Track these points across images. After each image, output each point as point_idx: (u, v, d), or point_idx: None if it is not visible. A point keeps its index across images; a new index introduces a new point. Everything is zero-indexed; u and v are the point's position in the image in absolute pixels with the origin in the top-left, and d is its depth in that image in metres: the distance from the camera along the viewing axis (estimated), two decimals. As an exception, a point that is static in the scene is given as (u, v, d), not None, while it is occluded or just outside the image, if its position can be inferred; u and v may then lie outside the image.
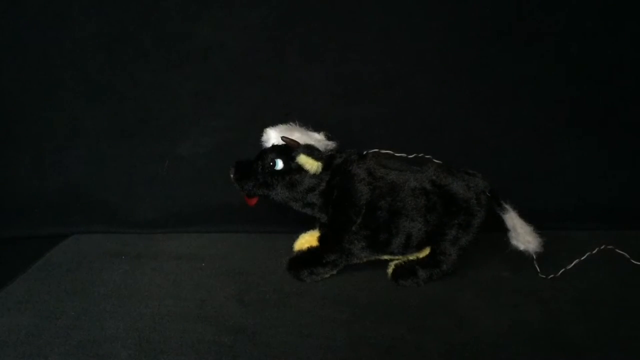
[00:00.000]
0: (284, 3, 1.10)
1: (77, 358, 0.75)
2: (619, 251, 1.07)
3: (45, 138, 1.18)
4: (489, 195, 0.96)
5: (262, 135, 0.97)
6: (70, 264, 1.05)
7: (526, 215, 0.98)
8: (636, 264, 1.04)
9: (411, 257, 0.99)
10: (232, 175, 0.94)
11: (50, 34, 1.11)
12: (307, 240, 1.03)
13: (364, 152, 0.99)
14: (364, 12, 1.11)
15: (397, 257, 1.00)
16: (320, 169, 0.93)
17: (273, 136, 0.95)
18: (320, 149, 0.94)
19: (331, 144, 0.98)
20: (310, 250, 1.00)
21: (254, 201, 0.98)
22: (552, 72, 1.16)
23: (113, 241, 1.17)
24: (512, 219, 0.95)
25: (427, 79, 1.16)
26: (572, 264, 1.02)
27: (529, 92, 1.17)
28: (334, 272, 0.99)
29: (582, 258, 1.03)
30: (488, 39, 1.13)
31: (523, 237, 0.94)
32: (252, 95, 1.15)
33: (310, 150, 0.91)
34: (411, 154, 1.01)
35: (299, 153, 0.91)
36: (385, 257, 1.00)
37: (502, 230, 0.97)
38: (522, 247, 0.95)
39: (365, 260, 0.99)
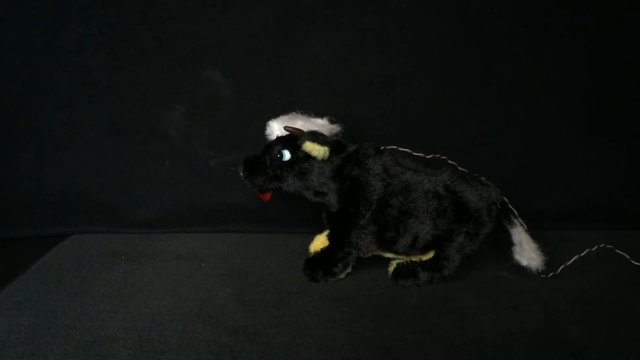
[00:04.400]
0: (284, 3, 1.10)
1: (77, 358, 0.76)
2: (619, 251, 1.07)
3: (45, 138, 1.18)
4: (499, 207, 0.96)
5: (264, 132, 0.96)
6: (70, 264, 1.05)
7: (526, 215, 0.98)
8: (636, 264, 1.04)
9: (414, 258, 0.99)
10: (241, 173, 0.93)
11: (50, 34, 1.11)
12: (322, 241, 1.02)
13: (382, 148, 0.98)
14: (364, 12, 1.11)
15: (400, 257, 1.00)
16: (327, 154, 0.91)
17: (276, 128, 0.94)
18: (325, 133, 0.93)
19: (336, 128, 0.96)
20: (324, 250, 1.00)
21: (268, 196, 0.97)
22: (552, 72, 1.16)
23: (113, 241, 1.17)
24: (520, 235, 0.95)
25: (427, 79, 1.15)
26: (572, 260, 1.02)
27: (529, 92, 1.17)
28: (349, 269, 0.99)
29: (582, 254, 1.04)
30: (488, 39, 1.13)
31: (528, 253, 0.94)
32: (252, 95, 1.15)
33: (314, 137, 0.90)
34: (417, 154, 1.01)
35: (303, 141, 0.90)
36: (389, 255, 1.00)
37: (502, 230, 0.97)
38: (524, 263, 0.95)
39: (370, 254, 0.99)
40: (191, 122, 1.17)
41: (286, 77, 1.15)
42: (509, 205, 0.97)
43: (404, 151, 0.99)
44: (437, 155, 1.00)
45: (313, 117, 0.96)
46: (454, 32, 1.13)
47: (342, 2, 1.10)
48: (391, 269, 0.99)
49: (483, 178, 0.98)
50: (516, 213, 0.97)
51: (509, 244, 0.97)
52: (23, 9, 1.10)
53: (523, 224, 0.96)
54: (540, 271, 0.97)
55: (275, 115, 0.98)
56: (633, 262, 1.04)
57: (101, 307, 0.89)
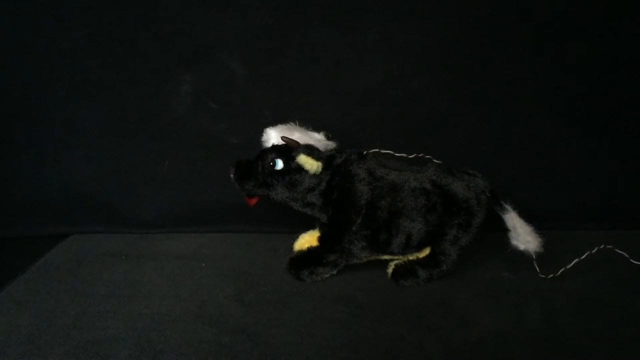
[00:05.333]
0: (284, 3, 1.10)
1: (77, 358, 0.75)
2: (619, 251, 1.07)
3: (45, 138, 1.18)
4: (488, 195, 0.96)
5: (262, 135, 0.97)
6: (70, 264, 1.05)
7: (526, 215, 0.98)
8: (636, 264, 1.04)
9: (411, 257, 0.99)
10: (232, 175, 0.94)
11: (50, 34, 1.11)
12: (307, 240, 1.03)
13: (364, 152, 0.99)
14: (364, 12, 1.11)
15: (397, 257, 1.00)
16: (320, 169, 0.93)
17: (273, 136, 0.95)
18: (320, 148, 0.94)
19: (331, 144, 0.98)
20: (311, 250, 1.00)
21: (254, 201, 0.98)
22: (552, 72, 1.16)
23: (113, 241, 1.17)
24: (512, 219, 0.95)
25: (427, 79, 1.16)
26: (572, 263, 1.02)
27: (529, 92, 1.17)
28: (334, 272, 0.99)
29: (582, 257, 1.04)
30: (488, 39, 1.13)
31: (523, 237, 0.94)
32: (252, 95, 1.15)
33: (310, 150, 0.91)
34: (411, 154, 1.01)
35: (299, 153, 0.91)
36: (385, 257, 1.00)
37: (502, 230, 0.97)
38: (522, 247, 0.95)
39: (365, 260, 0.99)
40: (192, 120, 1.18)
41: (286, 77, 1.15)
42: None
43: (387, 153, 1.00)
44: (421, 155, 1.01)
45: (310, 131, 0.96)
46: (454, 32, 1.13)
47: (343, 2, 1.10)
48: (390, 270, 0.99)
49: (469, 169, 0.98)
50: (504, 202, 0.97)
51: (507, 243, 0.97)
52: (23, 9, 1.10)
53: (514, 209, 0.96)
54: (538, 266, 0.97)
55: (274, 115, 0.98)
56: (633, 261, 1.04)
57: (101, 307, 0.89)
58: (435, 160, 0.99)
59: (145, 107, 1.17)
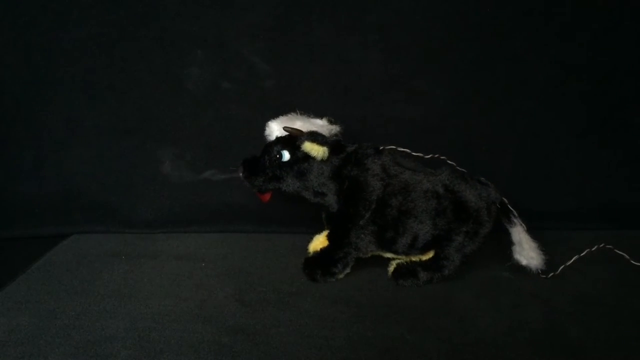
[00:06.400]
0: (284, 3, 1.10)
1: (77, 358, 0.75)
2: (618, 251, 1.07)
3: (45, 138, 1.18)
4: (499, 207, 0.96)
5: (264, 132, 0.97)
6: (70, 264, 1.05)
7: (526, 215, 0.98)
8: (635, 264, 1.04)
9: (414, 259, 0.99)
10: (241, 174, 0.93)
11: (50, 34, 1.11)
12: (322, 241, 1.01)
13: (381, 148, 0.98)
14: (364, 12, 1.11)
15: (400, 257, 1.00)
16: (326, 154, 0.92)
17: (276, 129, 0.94)
18: (324, 134, 0.93)
19: (335, 128, 0.97)
20: (323, 250, 1.00)
21: (267, 197, 0.97)
22: (552, 72, 1.16)
23: (113, 241, 1.17)
24: (519, 234, 0.95)
25: (427, 79, 1.16)
26: (572, 260, 1.02)
27: (529, 92, 1.17)
28: (348, 270, 0.99)
29: (582, 254, 1.04)
30: (488, 39, 1.13)
31: (527, 252, 0.95)
32: (252, 95, 1.15)
33: (314, 137, 0.90)
34: (414, 154, 1.01)
35: (303, 141, 0.90)
36: (389, 255, 1.00)
37: (501, 231, 0.97)
38: (524, 262, 0.95)
39: (370, 254, 0.99)
40: (192, 120, 1.18)
41: (286, 77, 1.15)
42: (508, 205, 0.97)
43: (403, 151, 1.00)
44: (437, 156, 1.01)
45: (312, 118, 0.96)
46: (454, 32, 1.13)
47: (343, 2, 1.10)
48: (391, 269, 0.99)
49: (482, 178, 0.99)
50: (515, 213, 0.97)
51: (508, 243, 0.97)
52: (23, 9, 1.10)
53: (522, 223, 0.97)
54: (540, 270, 0.97)
55: (275, 115, 0.98)
56: (633, 262, 1.04)
57: (101, 307, 0.89)
58: (450, 162, 0.99)
59: (145, 107, 1.17)
